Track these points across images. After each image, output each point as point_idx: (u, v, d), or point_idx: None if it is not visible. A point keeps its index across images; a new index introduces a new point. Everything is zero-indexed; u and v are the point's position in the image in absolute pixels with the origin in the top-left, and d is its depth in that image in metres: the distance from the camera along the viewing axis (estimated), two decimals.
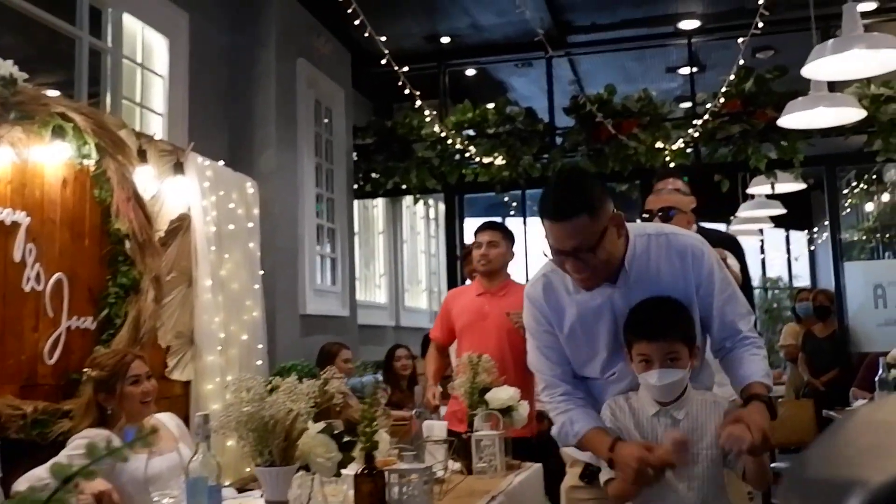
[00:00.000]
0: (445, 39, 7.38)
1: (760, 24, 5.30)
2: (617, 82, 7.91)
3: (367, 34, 4.78)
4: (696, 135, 6.87)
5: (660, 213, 3.74)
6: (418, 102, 5.97)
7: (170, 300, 4.42)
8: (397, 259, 8.84)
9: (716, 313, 2.33)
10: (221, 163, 5.12)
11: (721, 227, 11.11)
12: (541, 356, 2.44)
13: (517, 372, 3.95)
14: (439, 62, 7.67)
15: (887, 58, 4.65)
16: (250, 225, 5.22)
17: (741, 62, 6.43)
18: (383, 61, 5.22)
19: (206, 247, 4.66)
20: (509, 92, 8.59)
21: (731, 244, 3.93)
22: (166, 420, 3.34)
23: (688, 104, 7.56)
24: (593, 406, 2.38)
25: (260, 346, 5.11)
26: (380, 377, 6.58)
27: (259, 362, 5.05)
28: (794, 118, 5.59)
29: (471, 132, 7.42)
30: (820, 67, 4.76)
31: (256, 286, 5.18)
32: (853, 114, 5.51)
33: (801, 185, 7.66)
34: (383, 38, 4.99)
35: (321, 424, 2.55)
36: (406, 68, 5.48)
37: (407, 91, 5.60)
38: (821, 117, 5.56)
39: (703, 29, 7.40)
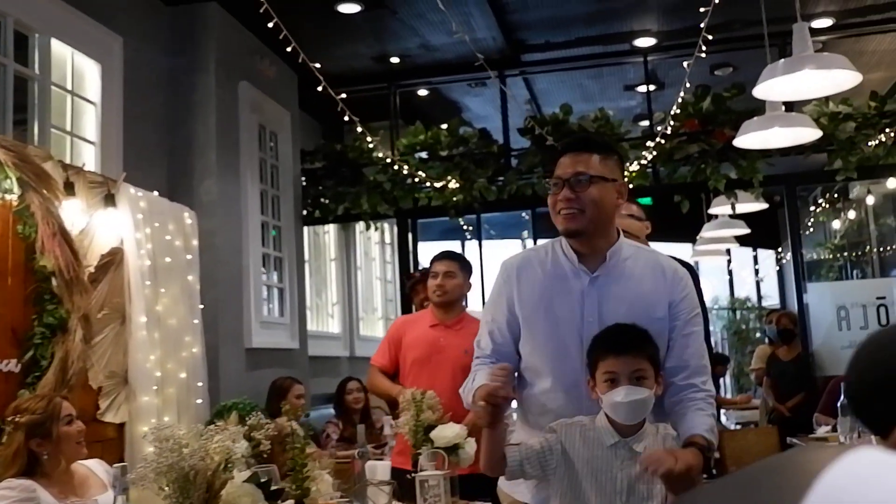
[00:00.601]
0: (395, 60, 7.43)
1: (704, 48, 5.37)
2: (574, 101, 8.00)
3: (305, 58, 4.77)
4: (653, 155, 6.95)
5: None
6: (359, 128, 5.97)
7: (101, 339, 4.38)
8: (351, 287, 8.83)
9: (677, 340, 2.40)
10: (156, 193, 5.10)
11: (687, 247, 11.28)
12: (485, 330, 2.54)
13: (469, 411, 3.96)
14: (389, 83, 7.71)
15: (840, 78, 4.75)
16: (189, 257, 5.20)
17: (687, 84, 6.50)
18: (319, 88, 5.21)
19: (141, 281, 4.63)
20: (464, 112, 8.65)
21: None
22: (94, 466, 3.31)
23: (647, 123, 7.66)
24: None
25: (200, 383, 5.07)
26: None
27: (199, 401, 5.02)
28: (749, 138, 5.68)
29: (423, 155, 7.46)
30: (772, 88, 4.86)
31: (196, 321, 5.15)
32: (808, 134, 5.62)
33: (763, 205, 7.77)
34: (317, 65, 5.00)
35: (246, 473, 2.54)
36: (343, 95, 5.49)
37: (346, 118, 5.60)
38: (776, 137, 5.66)
39: (658, 47, 7.52)
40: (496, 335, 2.51)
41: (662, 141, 6.91)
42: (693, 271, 4.17)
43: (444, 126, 7.47)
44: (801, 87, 4.86)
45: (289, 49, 4.63)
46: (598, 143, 2.47)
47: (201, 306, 5.29)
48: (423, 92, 8.31)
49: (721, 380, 10.19)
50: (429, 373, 4.20)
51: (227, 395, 5.31)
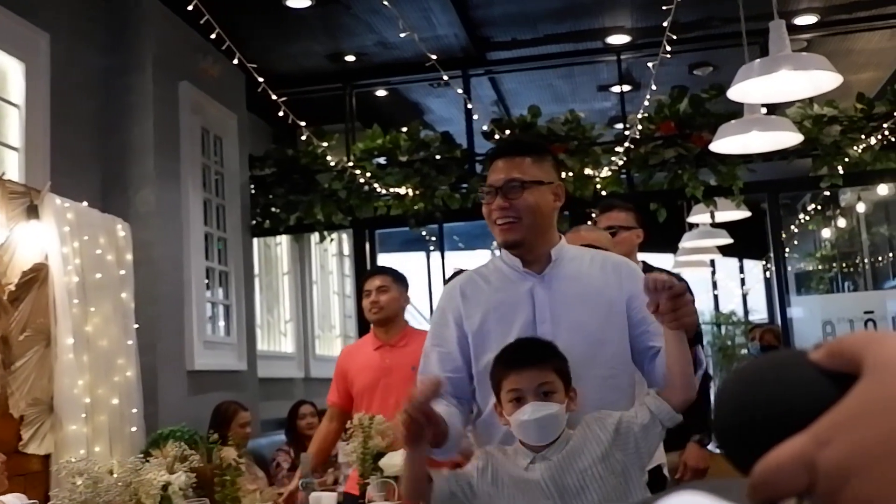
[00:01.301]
0: (350, 58, 7.42)
1: (669, 48, 5.40)
2: (545, 102, 8.03)
3: (242, 57, 4.75)
4: (626, 160, 6.99)
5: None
6: (305, 135, 5.96)
7: (23, 363, 4.32)
8: (306, 302, 8.79)
9: (645, 326, 2.41)
10: (85, 204, 5.04)
11: (668, 258, 11.34)
12: (436, 355, 2.52)
13: None
14: (345, 83, 7.70)
15: (819, 79, 4.80)
16: (122, 272, 5.15)
17: (653, 86, 6.54)
18: (259, 89, 5.19)
19: (68, 300, 4.58)
20: (426, 114, 8.66)
21: None
22: (10, 501, 3.27)
23: (621, 126, 7.70)
24: (453, 408, 2.40)
25: (134, 410, 5.02)
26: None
27: (133, 429, 4.96)
28: (726, 143, 5.72)
29: (381, 160, 7.45)
30: (748, 89, 4.90)
31: (130, 342, 5.10)
32: (789, 138, 5.66)
33: (745, 213, 7.84)
34: (254, 66, 4.98)
35: None
36: (284, 98, 5.47)
37: (291, 121, 5.58)
38: (755, 142, 5.70)
39: (633, 45, 7.57)
40: (447, 360, 2.49)
41: (632, 146, 6.94)
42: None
43: (404, 129, 7.48)
44: (779, 88, 4.91)
45: (223, 48, 4.59)
46: (530, 145, 2.52)
47: (136, 326, 5.24)
48: (381, 93, 8.31)
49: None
50: (379, 398, 4.22)
51: (167, 422, 5.25)
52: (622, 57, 7.59)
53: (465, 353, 2.49)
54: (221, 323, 6.73)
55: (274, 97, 5.23)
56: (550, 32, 7.34)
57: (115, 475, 2.41)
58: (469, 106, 6.94)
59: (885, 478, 0.45)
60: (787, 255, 11.26)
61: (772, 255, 7.29)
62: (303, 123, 5.73)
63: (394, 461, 3.65)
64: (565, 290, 2.42)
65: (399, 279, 4.49)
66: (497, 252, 2.79)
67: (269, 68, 7.24)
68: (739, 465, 0.54)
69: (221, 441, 5.27)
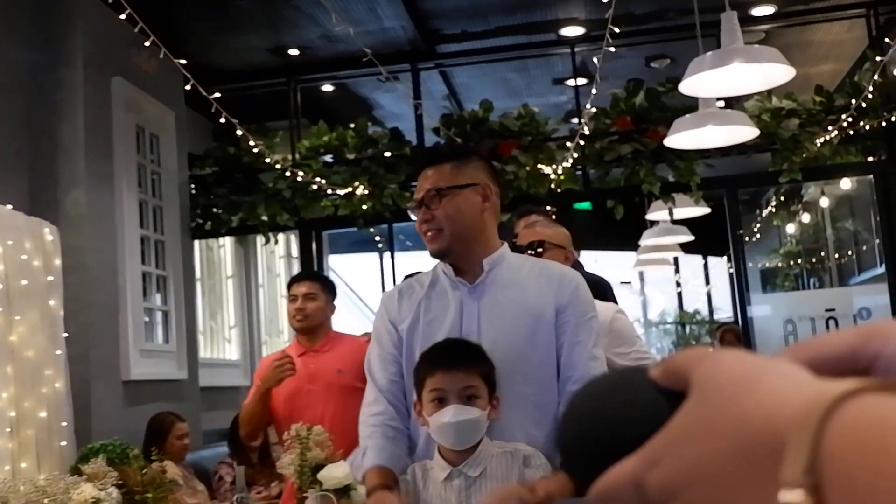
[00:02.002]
0: (294, 52, 7.41)
1: (611, 40, 5.46)
2: (499, 97, 8.07)
3: (167, 52, 4.73)
4: (579, 156, 7.04)
5: (529, 250, 3.79)
6: (239, 131, 5.94)
7: None
8: (252, 307, 8.76)
9: (565, 348, 2.43)
10: (10, 207, 4.99)
11: (630, 256, 11.45)
12: (378, 360, 2.57)
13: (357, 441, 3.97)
14: (289, 78, 7.69)
15: (772, 72, 4.87)
16: (50, 279, 5.11)
17: (598, 78, 6.57)
18: (188, 87, 5.17)
19: None
20: (375, 110, 8.67)
21: (595, 288, 4.01)
22: None
23: (577, 121, 7.75)
24: (401, 442, 2.44)
25: (64, 423, 4.98)
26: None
27: (63, 443, 4.92)
28: (681, 138, 5.79)
29: (328, 158, 7.45)
30: (699, 82, 4.96)
31: (59, 352, 5.06)
32: (745, 132, 5.74)
33: (704, 210, 7.93)
34: (183, 61, 4.95)
35: None
36: (217, 95, 5.45)
37: (223, 119, 5.57)
38: (710, 136, 5.78)
39: (587, 36, 7.62)
40: (389, 363, 2.54)
41: (587, 142, 6.99)
42: (602, 287, 4.19)
43: (352, 126, 7.48)
44: (731, 82, 4.97)
45: (159, 41, 4.57)
46: (449, 150, 2.59)
47: (66, 335, 5.20)
48: (327, 88, 8.30)
49: None
50: (304, 404, 4.22)
51: (102, 436, 5.21)
52: (576, 49, 7.65)
53: (400, 360, 2.53)
54: (160, 330, 6.69)
55: (205, 94, 5.19)
56: (502, 24, 7.38)
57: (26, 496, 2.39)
58: (414, 101, 6.95)
59: (701, 500, 0.46)
60: (751, 251, 11.44)
61: (731, 251, 7.39)
62: (236, 121, 5.69)
63: (333, 474, 3.64)
64: (495, 302, 2.43)
65: (327, 287, 4.51)
66: None
67: (210, 63, 7.24)
68: (581, 483, 0.55)
69: (158, 454, 5.25)
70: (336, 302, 4.60)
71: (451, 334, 2.40)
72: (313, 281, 4.49)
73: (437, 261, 2.56)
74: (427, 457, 2.40)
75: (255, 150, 6.91)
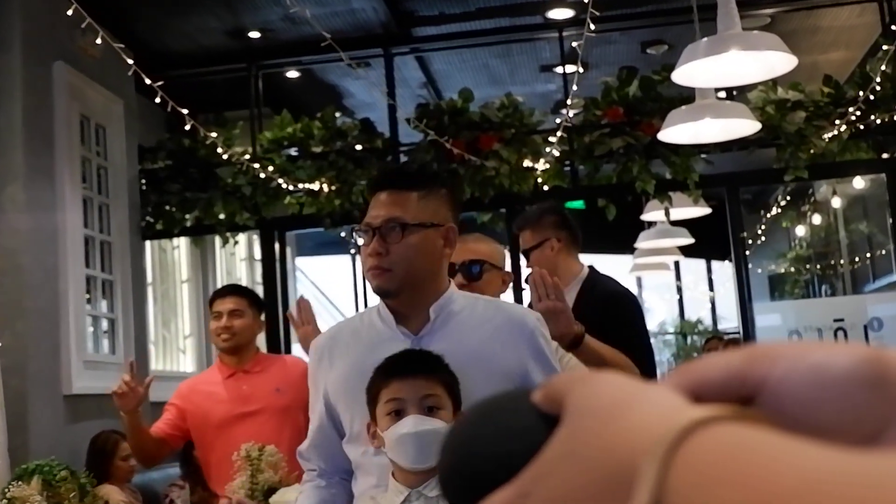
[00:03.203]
0: (255, 35, 7.41)
1: (593, 26, 5.48)
2: (481, 85, 8.10)
3: (106, 35, 4.72)
4: (566, 150, 7.06)
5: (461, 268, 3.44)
6: (189, 125, 5.94)
7: None
8: (208, 315, 8.74)
9: None
10: None
11: (626, 260, 11.48)
12: (311, 431, 2.52)
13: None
14: (249, 63, 7.69)
15: (772, 61, 4.90)
16: None
17: (579, 67, 6.60)
18: (130, 72, 5.17)
19: None
20: (345, 99, 8.69)
21: (607, 304, 3.93)
22: None
23: (564, 112, 7.77)
24: (340, 498, 2.44)
25: None
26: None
27: None
28: (676, 131, 5.82)
29: (292, 151, 7.46)
30: (694, 71, 4.98)
31: None
32: (746, 126, 5.77)
33: (704, 210, 7.98)
34: (120, 45, 4.95)
35: None
36: (161, 82, 5.44)
37: (170, 108, 5.57)
38: (708, 130, 5.81)
39: (577, 20, 7.64)
40: (316, 436, 2.49)
41: (575, 134, 7.02)
42: (629, 300, 4.14)
43: (319, 116, 7.48)
44: (728, 70, 4.99)
45: (88, 24, 4.56)
46: (417, 177, 2.47)
47: None
48: (292, 74, 8.31)
49: None
50: (240, 427, 4.23)
51: (40, 455, 5.19)
52: (565, 34, 7.66)
53: (339, 428, 2.46)
54: (105, 340, 6.68)
55: (149, 81, 5.19)
56: (483, 6, 7.40)
57: None
58: (387, 90, 6.96)
59: None
60: (757, 256, 11.50)
61: (732, 255, 7.43)
62: (185, 111, 5.69)
63: (286, 497, 3.66)
64: (442, 352, 2.30)
65: (255, 303, 4.54)
66: None
67: (162, 46, 7.24)
68: None
69: (101, 476, 5.24)
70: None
71: None
72: (239, 296, 4.49)
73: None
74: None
75: (213, 143, 6.93)
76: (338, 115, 7.72)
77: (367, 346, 2.39)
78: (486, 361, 2.33)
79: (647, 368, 4.12)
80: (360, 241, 2.40)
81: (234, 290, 4.62)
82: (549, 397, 0.54)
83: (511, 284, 3.66)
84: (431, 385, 2.20)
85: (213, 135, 6.83)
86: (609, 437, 0.47)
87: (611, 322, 3.87)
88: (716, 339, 8.07)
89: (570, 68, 7.89)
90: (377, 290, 2.39)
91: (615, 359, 3.22)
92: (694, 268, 13.66)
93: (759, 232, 10.78)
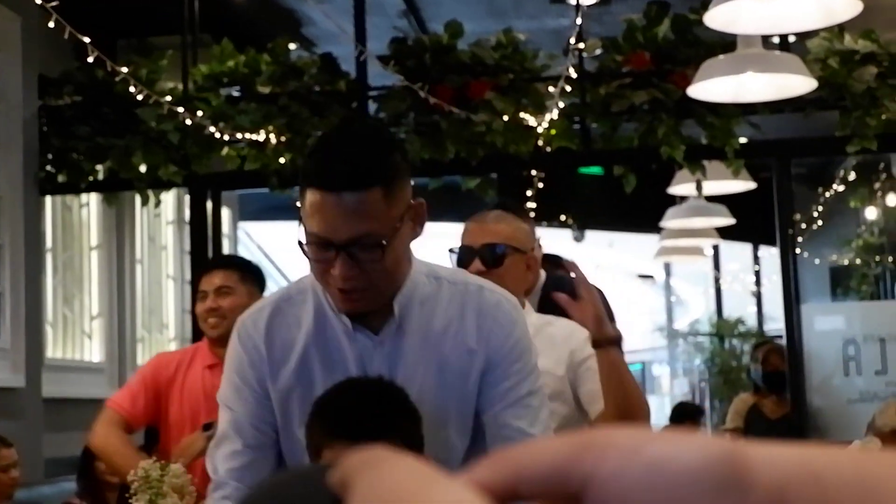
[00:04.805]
0: None
1: None
2: (475, 17, 8.04)
3: None
4: (574, 104, 7.02)
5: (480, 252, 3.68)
6: (92, 57, 5.88)
7: None
8: (125, 290, 8.72)
9: (504, 416, 2.43)
10: None
11: (651, 241, 11.48)
12: (230, 430, 2.50)
13: None
14: None
15: (833, 2, 4.87)
16: None
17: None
18: None
19: None
20: (304, 27, 8.63)
21: None
22: None
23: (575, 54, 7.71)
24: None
25: None
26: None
27: None
28: (711, 87, 5.81)
29: (234, 92, 7.41)
30: (732, 14, 4.96)
31: None
32: (799, 83, 5.75)
33: (748, 184, 7.96)
34: None
35: None
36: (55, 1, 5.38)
37: (67, 33, 5.51)
38: (750, 86, 5.80)
39: None
40: (242, 427, 2.49)
41: (576, 84, 6.96)
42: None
43: (269, 48, 7.43)
44: (776, 13, 4.98)
45: None
46: (378, 162, 2.28)
47: None
48: None
49: None
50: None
51: None
52: None
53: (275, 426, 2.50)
54: None
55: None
56: None
57: None
58: (355, 18, 6.91)
59: None
60: (816, 243, 11.48)
61: (778, 242, 7.40)
62: (87, 39, 5.63)
63: None
64: (408, 354, 2.38)
65: (249, 276, 4.53)
66: None
67: None
68: None
69: None
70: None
71: None
72: (227, 269, 4.50)
73: None
74: None
75: (133, 76, 6.87)
76: (293, 47, 7.66)
77: (317, 342, 2.43)
78: (444, 358, 2.40)
79: None
80: (307, 251, 2.30)
81: (221, 263, 4.67)
82: (339, 479, 0.56)
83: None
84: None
85: (133, 67, 6.79)
86: None
87: None
88: (763, 346, 8.06)
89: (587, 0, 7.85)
90: (350, 314, 2.37)
91: (634, 394, 3.23)
92: (738, 254, 13.62)
93: (816, 214, 10.73)
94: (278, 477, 0.58)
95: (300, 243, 2.28)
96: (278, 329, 2.47)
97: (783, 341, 7.73)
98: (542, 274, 4.03)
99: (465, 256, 3.46)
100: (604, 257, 13.68)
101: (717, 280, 13.61)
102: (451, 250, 3.55)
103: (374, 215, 2.24)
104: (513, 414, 2.42)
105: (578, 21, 6.59)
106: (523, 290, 3.49)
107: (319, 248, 2.26)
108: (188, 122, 7.11)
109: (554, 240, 9.72)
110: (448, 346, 2.42)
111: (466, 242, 3.51)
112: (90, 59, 5.91)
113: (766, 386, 7.58)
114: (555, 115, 7.09)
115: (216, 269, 4.53)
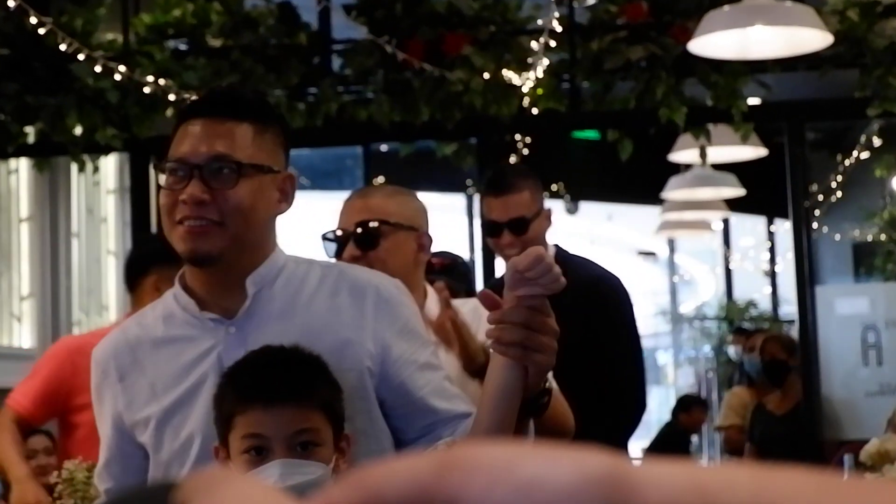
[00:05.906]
0: None
1: None
2: None
3: None
4: (563, 61, 7.01)
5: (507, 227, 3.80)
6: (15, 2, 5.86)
7: None
8: (59, 267, 8.72)
9: (414, 392, 2.49)
10: None
11: (652, 213, 11.50)
12: (103, 466, 2.58)
13: None
14: None
15: None
16: None
17: None
18: None
19: None
20: None
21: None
22: None
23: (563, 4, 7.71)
24: None
25: None
26: None
27: None
28: (714, 41, 5.82)
29: (180, 45, 7.40)
30: None
31: None
32: (813, 38, 5.76)
33: (758, 151, 7.98)
34: None
35: None
36: None
37: None
38: (758, 41, 5.81)
39: None
40: (113, 467, 2.57)
41: (564, 38, 6.95)
42: (618, 286, 4.24)
43: None
44: None
45: None
46: (254, 103, 2.55)
47: None
48: None
49: (694, 436, 10.40)
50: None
51: None
52: None
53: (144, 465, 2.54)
54: None
55: None
56: None
57: None
58: None
59: None
60: (836, 217, 11.50)
61: (791, 215, 7.41)
62: None
63: None
64: (267, 335, 2.39)
65: None
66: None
67: None
68: None
69: None
70: None
71: (209, 409, 2.39)
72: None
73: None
74: None
75: (67, 27, 6.85)
76: None
77: (164, 351, 2.50)
78: (331, 338, 2.43)
79: (638, 378, 4.22)
80: (162, 181, 2.45)
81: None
82: (180, 501, 0.56)
83: (430, 249, 3.51)
84: (305, 416, 2.24)
85: (67, 16, 6.76)
86: None
87: (597, 316, 3.99)
88: (758, 333, 8.07)
89: None
90: (192, 255, 2.43)
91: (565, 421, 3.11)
92: (750, 229, 13.65)
93: (835, 184, 10.73)
94: (118, 496, 0.60)
95: (159, 186, 2.50)
96: (122, 354, 2.54)
97: (795, 326, 7.76)
98: (552, 247, 4.06)
99: (339, 243, 3.35)
100: (601, 231, 13.68)
101: (726, 258, 13.59)
102: (324, 237, 3.42)
103: (237, 145, 2.42)
104: (422, 377, 2.49)
105: None
106: (415, 273, 3.37)
107: (175, 175, 2.41)
108: (129, 79, 7.11)
109: None
110: (313, 333, 2.42)
111: (341, 226, 3.38)
112: (14, 4, 5.88)
113: (767, 377, 7.56)
114: (541, 72, 7.10)
115: None
